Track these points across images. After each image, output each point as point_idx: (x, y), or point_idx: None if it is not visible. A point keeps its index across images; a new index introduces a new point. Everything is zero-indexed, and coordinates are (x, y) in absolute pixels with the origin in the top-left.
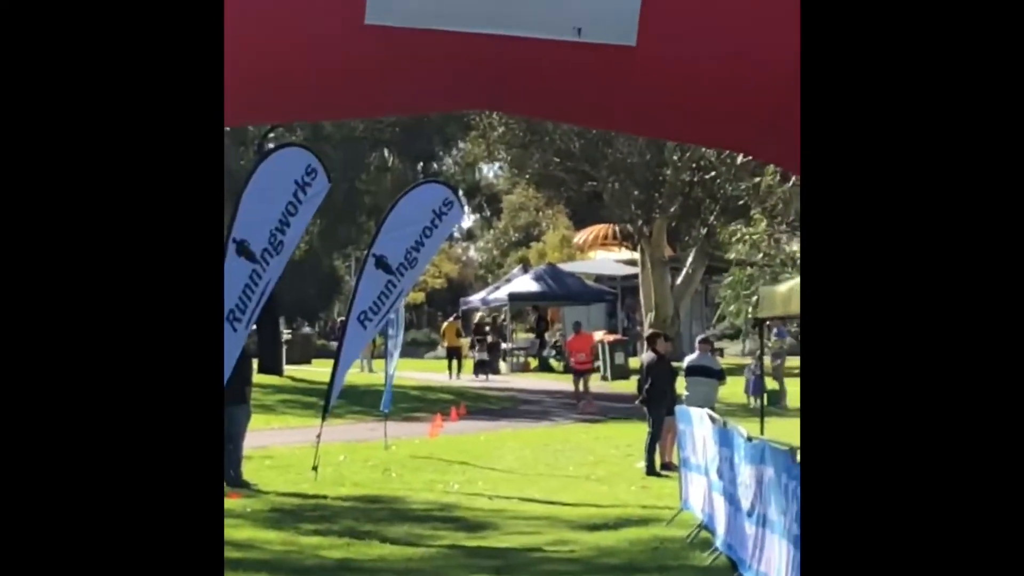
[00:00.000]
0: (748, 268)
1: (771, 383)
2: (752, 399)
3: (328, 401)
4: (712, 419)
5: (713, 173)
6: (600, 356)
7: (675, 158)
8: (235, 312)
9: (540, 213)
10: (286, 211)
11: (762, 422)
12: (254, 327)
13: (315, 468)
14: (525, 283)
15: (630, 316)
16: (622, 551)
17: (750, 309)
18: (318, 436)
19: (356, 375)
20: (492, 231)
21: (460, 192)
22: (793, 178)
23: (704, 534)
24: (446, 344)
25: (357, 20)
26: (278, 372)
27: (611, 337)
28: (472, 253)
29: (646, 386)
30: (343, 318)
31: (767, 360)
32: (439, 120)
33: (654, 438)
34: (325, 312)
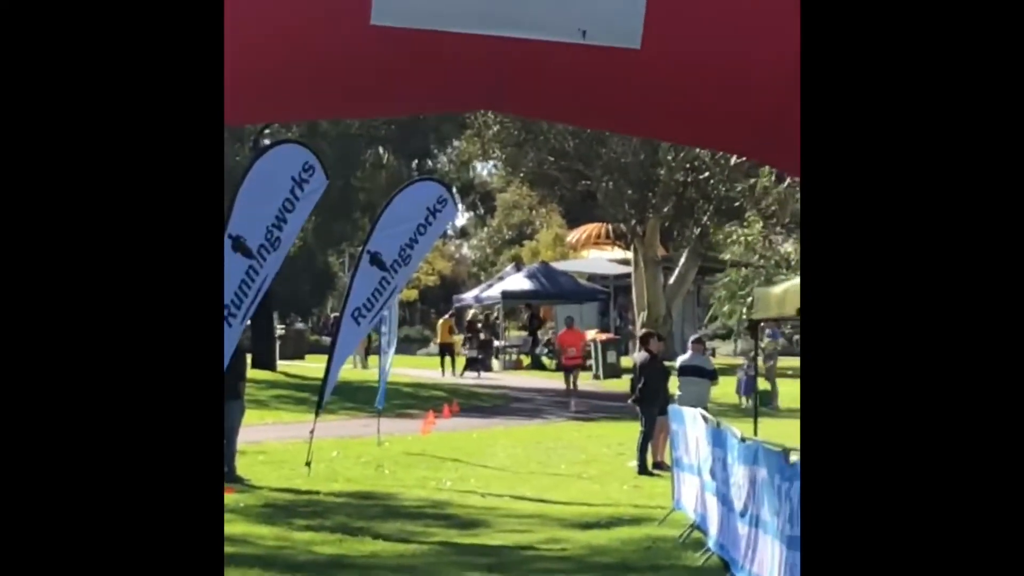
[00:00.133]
0: (743, 269)
1: (763, 383)
2: (744, 399)
3: (322, 397)
4: (705, 419)
5: (707, 173)
6: (592, 355)
7: (669, 158)
8: (231, 308)
9: (534, 212)
10: (283, 207)
11: (755, 423)
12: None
13: (308, 464)
14: (518, 281)
15: (622, 315)
16: (614, 550)
17: (744, 310)
18: (311, 432)
19: (350, 371)
20: (486, 229)
21: (454, 190)
22: (788, 179)
23: (696, 534)
24: (439, 341)
25: (362, 20)
26: (272, 367)
27: (603, 336)
28: (465, 251)
29: (639, 385)
30: (337, 314)
31: (760, 361)
32: (434, 118)
33: (646, 437)
34: (319, 308)
